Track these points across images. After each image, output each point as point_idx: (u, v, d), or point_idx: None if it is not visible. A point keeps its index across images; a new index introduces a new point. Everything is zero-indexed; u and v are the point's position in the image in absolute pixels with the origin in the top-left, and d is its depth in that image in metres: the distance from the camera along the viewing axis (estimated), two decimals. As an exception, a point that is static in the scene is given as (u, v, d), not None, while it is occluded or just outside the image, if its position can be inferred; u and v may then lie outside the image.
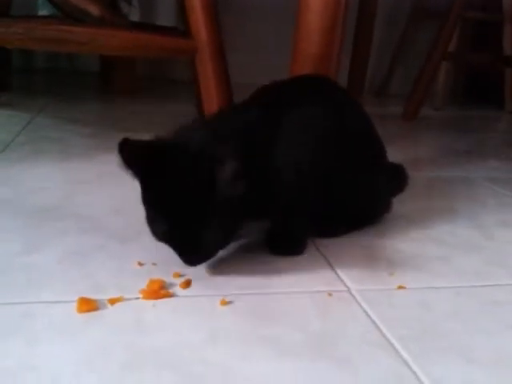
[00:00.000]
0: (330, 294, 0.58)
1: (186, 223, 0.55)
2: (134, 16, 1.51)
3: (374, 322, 0.54)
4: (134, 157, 0.55)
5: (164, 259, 0.61)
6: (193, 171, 0.55)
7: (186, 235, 0.56)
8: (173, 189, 0.55)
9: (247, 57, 1.99)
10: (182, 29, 1.37)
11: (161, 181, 0.55)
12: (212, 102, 0.97)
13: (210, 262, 0.60)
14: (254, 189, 0.56)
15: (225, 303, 0.54)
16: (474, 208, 0.93)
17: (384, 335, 0.52)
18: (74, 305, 0.51)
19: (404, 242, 0.74)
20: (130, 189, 0.84)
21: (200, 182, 0.54)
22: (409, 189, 0.88)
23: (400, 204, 0.84)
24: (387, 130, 1.56)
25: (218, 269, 0.61)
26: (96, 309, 0.51)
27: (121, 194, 0.83)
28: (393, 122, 1.73)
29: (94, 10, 1.02)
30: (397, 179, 0.84)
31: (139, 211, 0.74)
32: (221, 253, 0.60)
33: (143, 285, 0.55)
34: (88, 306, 0.51)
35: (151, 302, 0.53)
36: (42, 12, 1.41)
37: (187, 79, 1.44)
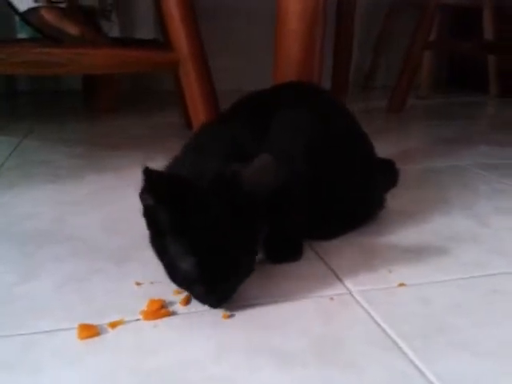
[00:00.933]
0: (331, 298, 0.58)
1: (220, 255, 0.51)
2: (114, 31, 1.50)
3: (376, 323, 0.54)
4: (165, 189, 0.51)
5: (162, 277, 0.60)
6: (220, 198, 0.52)
7: (220, 267, 0.52)
8: (204, 220, 0.51)
9: (231, 63, 1.99)
10: (162, 40, 1.37)
11: (191, 213, 0.51)
12: (198, 112, 0.97)
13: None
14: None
15: (227, 317, 0.54)
16: (467, 196, 0.93)
17: (388, 335, 0.52)
18: (75, 332, 0.51)
19: (401, 238, 0.74)
20: (120, 207, 0.84)
21: (229, 207, 0.52)
22: (401, 182, 0.88)
23: (394, 198, 0.84)
24: (374, 123, 1.57)
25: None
26: (97, 334, 0.51)
27: (112, 212, 0.83)
28: (379, 114, 1.74)
29: (73, 29, 1.02)
30: (388, 175, 0.84)
31: (132, 230, 0.74)
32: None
33: (143, 305, 0.55)
34: (89, 332, 0.50)
35: (152, 322, 0.53)
36: (21, 35, 1.40)
37: (172, 89, 1.44)
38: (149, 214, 0.54)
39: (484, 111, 2.04)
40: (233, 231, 0.52)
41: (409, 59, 1.70)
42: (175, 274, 0.54)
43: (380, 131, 1.45)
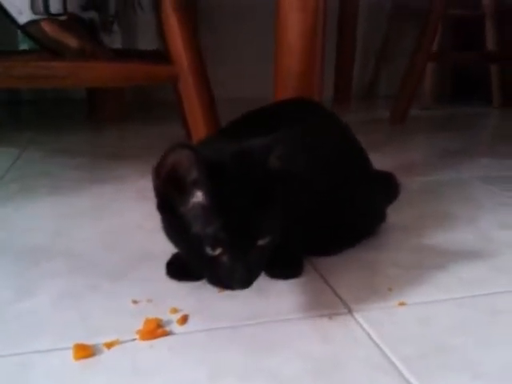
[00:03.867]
0: (330, 318, 0.57)
1: (248, 221, 0.53)
2: (116, 42, 1.50)
3: (376, 344, 0.53)
4: (209, 163, 0.52)
5: (159, 294, 0.60)
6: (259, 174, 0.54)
7: (252, 242, 0.54)
8: (243, 193, 0.53)
9: (229, 71, 1.99)
10: (163, 50, 1.37)
11: (232, 186, 0.53)
12: (198, 124, 0.96)
13: (205, 293, 0.60)
14: None
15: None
16: (470, 211, 0.92)
17: (387, 357, 0.51)
18: (71, 352, 0.50)
19: (401, 254, 0.73)
20: (120, 221, 0.84)
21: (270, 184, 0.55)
22: (403, 195, 0.87)
23: (395, 212, 0.83)
24: (376, 134, 1.56)
25: (214, 300, 0.60)
26: (92, 355, 0.50)
27: (111, 226, 0.82)
28: (382, 125, 1.73)
29: (73, 42, 1.02)
30: (388, 189, 0.84)
31: (131, 245, 0.74)
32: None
33: (139, 324, 0.54)
34: (84, 352, 0.50)
35: (148, 342, 0.52)
36: (23, 46, 1.41)
37: (174, 100, 1.44)
38: (166, 198, 0.54)
39: (487, 122, 2.03)
40: (261, 203, 0.54)
41: (411, 69, 1.69)
42: (199, 254, 0.53)
43: (382, 143, 1.44)
